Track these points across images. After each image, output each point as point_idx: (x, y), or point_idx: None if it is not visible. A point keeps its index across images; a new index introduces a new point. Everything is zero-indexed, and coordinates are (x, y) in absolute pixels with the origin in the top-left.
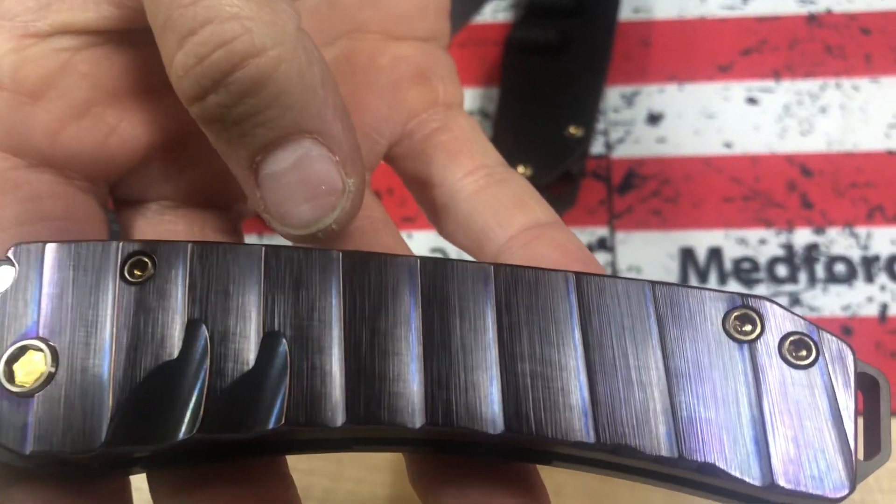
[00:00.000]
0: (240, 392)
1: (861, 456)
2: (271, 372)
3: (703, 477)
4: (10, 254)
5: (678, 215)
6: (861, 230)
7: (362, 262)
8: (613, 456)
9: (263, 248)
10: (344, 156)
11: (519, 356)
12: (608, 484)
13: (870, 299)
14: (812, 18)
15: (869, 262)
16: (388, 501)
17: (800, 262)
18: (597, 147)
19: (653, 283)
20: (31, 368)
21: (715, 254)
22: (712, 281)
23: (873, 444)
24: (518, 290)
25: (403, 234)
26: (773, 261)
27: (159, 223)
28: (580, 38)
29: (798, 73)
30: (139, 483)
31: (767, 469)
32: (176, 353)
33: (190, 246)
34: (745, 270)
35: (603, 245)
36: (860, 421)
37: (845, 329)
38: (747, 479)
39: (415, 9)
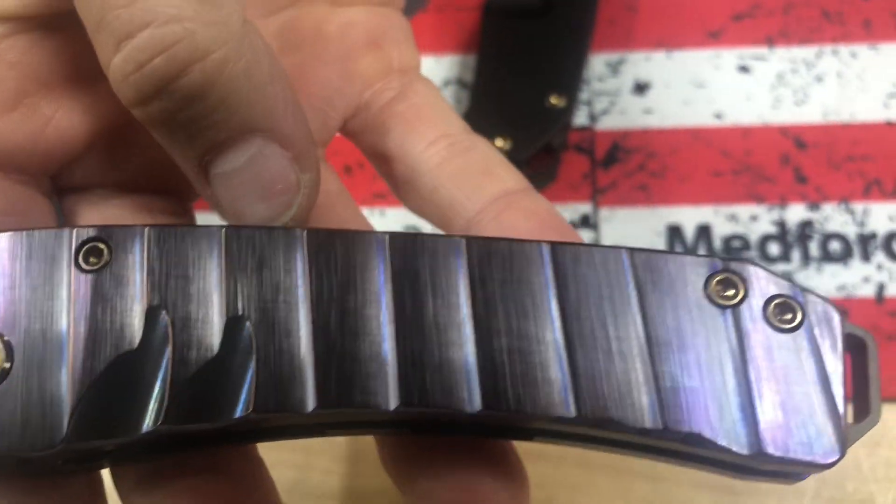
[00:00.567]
0: (205, 380)
1: (850, 419)
2: (236, 358)
3: (688, 447)
4: None
5: (665, 191)
6: (857, 206)
7: (328, 239)
8: (596, 430)
9: (223, 230)
10: (297, 151)
11: (495, 331)
12: (589, 473)
13: (866, 279)
14: None
15: (865, 240)
16: (359, 493)
17: (793, 240)
18: (580, 118)
19: (631, 249)
20: None
21: (703, 231)
22: None
23: (862, 406)
24: (492, 263)
25: (376, 211)
26: (765, 238)
27: (105, 208)
28: (563, 1)
29: (793, 39)
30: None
31: (755, 437)
32: (136, 343)
33: (146, 230)
34: (736, 249)
35: (586, 222)
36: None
37: (841, 311)
38: (734, 448)
39: None
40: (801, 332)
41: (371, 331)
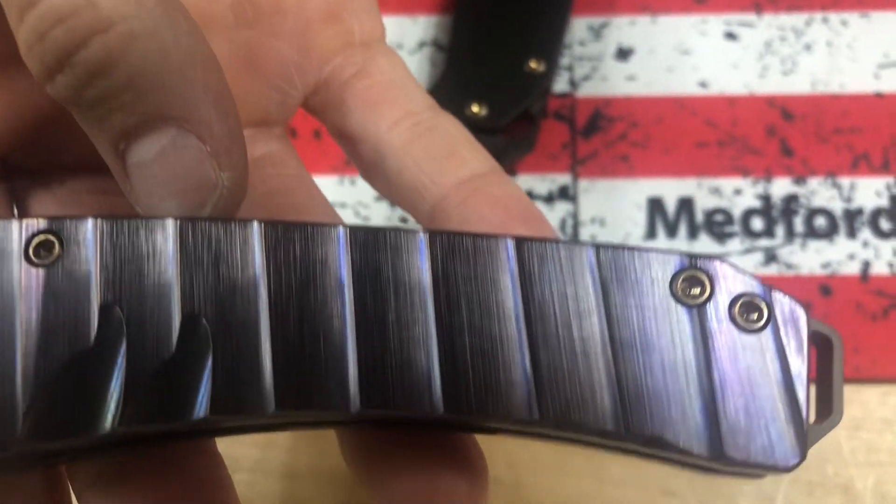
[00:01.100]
0: (161, 380)
1: (815, 417)
2: (194, 358)
3: (650, 449)
4: None
5: (647, 162)
6: (844, 180)
7: (286, 233)
8: (557, 431)
9: (178, 222)
10: (218, 146)
11: (458, 330)
12: (560, 453)
13: (851, 256)
14: None
15: (852, 216)
16: (323, 472)
17: (777, 215)
18: (560, 85)
19: (596, 246)
20: None
21: (685, 204)
22: (682, 234)
23: (826, 405)
24: (455, 259)
25: (346, 180)
26: (749, 213)
27: (59, 191)
28: None
29: (781, 5)
30: None
31: (717, 440)
32: (91, 341)
33: (99, 222)
34: (718, 223)
35: (564, 194)
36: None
37: (824, 288)
38: (695, 451)
39: None
40: (766, 332)
41: (332, 330)
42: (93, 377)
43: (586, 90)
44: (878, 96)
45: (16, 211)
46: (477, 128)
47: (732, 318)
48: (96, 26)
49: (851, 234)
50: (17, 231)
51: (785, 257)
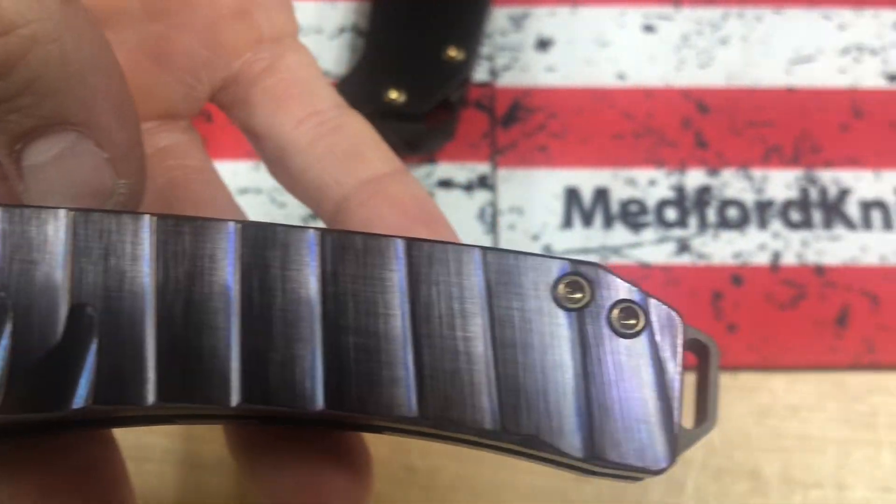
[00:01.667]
0: (44, 369)
1: (693, 422)
2: (78, 348)
3: (526, 448)
4: None
5: (565, 152)
6: (757, 172)
7: (177, 227)
8: (437, 429)
9: (72, 213)
10: (116, 152)
11: (343, 329)
12: None
13: (762, 247)
14: None
15: (763, 207)
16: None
17: (690, 206)
18: (481, 74)
19: (484, 249)
20: None
21: (601, 195)
22: (597, 224)
23: (701, 411)
24: (345, 258)
25: (261, 167)
26: (663, 203)
27: None
28: None
29: None
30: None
31: (590, 441)
32: None
33: None
34: (633, 213)
35: (483, 183)
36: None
37: (735, 278)
38: (569, 451)
39: None
40: (642, 337)
41: (217, 324)
42: None
43: (506, 80)
44: (790, 91)
45: None
46: (395, 114)
47: (610, 323)
48: None
49: (762, 225)
50: None
51: (697, 247)
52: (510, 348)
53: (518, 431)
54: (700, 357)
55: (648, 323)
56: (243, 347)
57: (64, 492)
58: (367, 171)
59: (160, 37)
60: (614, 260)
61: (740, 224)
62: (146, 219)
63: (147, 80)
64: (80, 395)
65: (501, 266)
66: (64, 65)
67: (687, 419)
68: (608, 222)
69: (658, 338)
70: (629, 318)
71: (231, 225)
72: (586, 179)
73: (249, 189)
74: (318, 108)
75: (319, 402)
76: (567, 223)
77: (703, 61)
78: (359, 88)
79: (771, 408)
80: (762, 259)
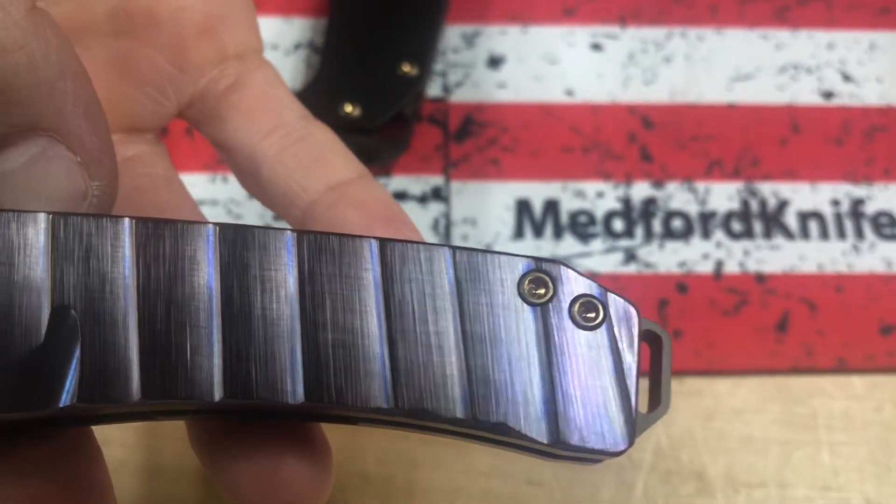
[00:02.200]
0: (28, 369)
1: (647, 408)
2: (61, 348)
3: (496, 435)
4: None
5: (516, 165)
6: (700, 185)
7: (156, 229)
8: (412, 419)
9: (50, 217)
10: (88, 156)
11: (321, 325)
12: (430, 447)
13: (705, 256)
14: None
15: (706, 218)
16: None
17: (637, 217)
18: (434, 90)
19: (453, 248)
20: None
21: (551, 206)
22: (548, 234)
23: (655, 397)
24: (321, 258)
25: (218, 177)
26: (610, 215)
27: None
28: None
29: (644, 19)
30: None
31: (555, 427)
32: None
33: None
34: (582, 224)
35: (437, 195)
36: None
37: (680, 286)
38: (535, 437)
39: None
40: (602, 329)
41: (198, 323)
42: None
43: (459, 96)
44: (731, 107)
45: None
46: (351, 127)
47: (572, 317)
48: None
49: (706, 235)
50: None
51: (644, 257)
52: (479, 341)
53: (488, 420)
54: (654, 347)
55: (607, 316)
56: (225, 345)
57: (52, 502)
58: (333, 177)
59: (126, 52)
60: None
61: (684, 234)
62: (126, 221)
63: (113, 93)
64: (66, 394)
65: (470, 264)
66: (32, 72)
67: (642, 405)
68: (558, 233)
69: (616, 330)
70: (589, 312)
71: (210, 227)
72: (537, 192)
73: (206, 201)
74: (285, 120)
75: (299, 394)
76: (518, 234)
77: (648, 78)
78: (315, 102)
79: (716, 411)
80: (706, 268)
